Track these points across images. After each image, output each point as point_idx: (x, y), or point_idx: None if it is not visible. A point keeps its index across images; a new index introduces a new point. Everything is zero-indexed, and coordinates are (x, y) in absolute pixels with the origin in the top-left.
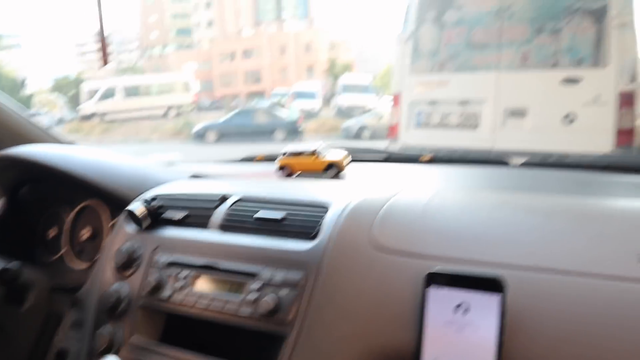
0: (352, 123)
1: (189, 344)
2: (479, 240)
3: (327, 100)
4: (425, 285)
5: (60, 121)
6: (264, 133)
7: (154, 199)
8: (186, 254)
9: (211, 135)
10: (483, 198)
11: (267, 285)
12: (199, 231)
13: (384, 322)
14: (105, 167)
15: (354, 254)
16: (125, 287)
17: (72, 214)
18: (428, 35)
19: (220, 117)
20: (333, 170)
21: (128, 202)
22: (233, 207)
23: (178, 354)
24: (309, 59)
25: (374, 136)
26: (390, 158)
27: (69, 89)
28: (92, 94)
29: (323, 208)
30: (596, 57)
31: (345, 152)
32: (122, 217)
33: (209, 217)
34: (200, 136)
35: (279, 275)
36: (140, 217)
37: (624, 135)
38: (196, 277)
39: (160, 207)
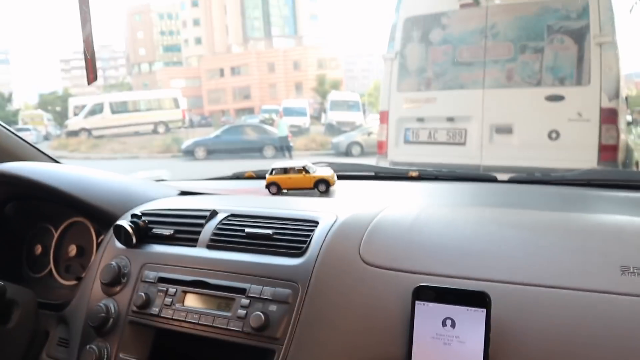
0: (342, 139)
1: None
2: (465, 256)
3: (316, 117)
4: (413, 300)
5: (47, 137)
6: (254, 149)
7: (142, 215)
8: (175, 270)
9: (200, 152)
10: (469, 214)
11: (256, 301)
12: (188, 247)
13: (373, 337)
14: (92, 184)
15: (342, 270)
16: (113, 304)
17: (58, 231)
18: (414, 53)
19: (210, 134)
20: (322, 186)
21: (115, 219)
22: (222, 223)
23: None
24: (297, 76)
25: (363, 152)
26: (379, 174)
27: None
28: (79, 110)
29: (312, 224)
30: (579, 75)
31: (334, 169)
32: (109, 234)
33: (198, 233)
34: (189, 152)
35: (268, 291)
36: (128, 233)
37: (607, 151)
38: (185, 294)
39: (148, 223)
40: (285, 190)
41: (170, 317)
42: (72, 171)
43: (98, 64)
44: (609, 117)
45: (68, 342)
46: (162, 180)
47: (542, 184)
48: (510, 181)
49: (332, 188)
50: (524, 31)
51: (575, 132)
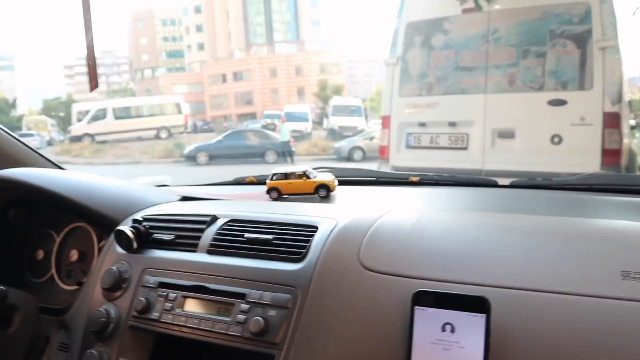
0: (344, 144)
1: None
2: (465, 261)
3: (318, 122)
4: (412, 305)
5: (50, 142)
6: (256, 154)
7: (143, 220)
8: (175, 275)
9: (202, 157)
10: (470, 219)
11: (255, 306)
12: (188, 253)
13: (372, 342)
14: (93, 189)
15: (342, 275)
16: (114, 309)
17: (60, 236)
18: (416, 58)
19: (212, 139)
20: (322, 191)
21: (116, 224)
22: (222, 228)
23: None
24: (299, 82)
25: (365, 157)
26: (380, 179)
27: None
28: (83, 115)
29: (312, 229)
30: (581, 79)
31: (335, 174)
32: (110, 239)
33: (198, 238)
34: (191, 158)
35: (268, 297)
36: (129, 238)
37: (610, 155)
38: (185, 299)
39: (149, 228)
40: (285, 196)
41: (170, 322)
42: (73, 176)
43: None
44: (611, 121)
45: (69, 347)
46: (164, 185)
47: (544, 188)
48: (511, 186)
49: (332, 193)
50: (526, 36)
51: (577, 136)
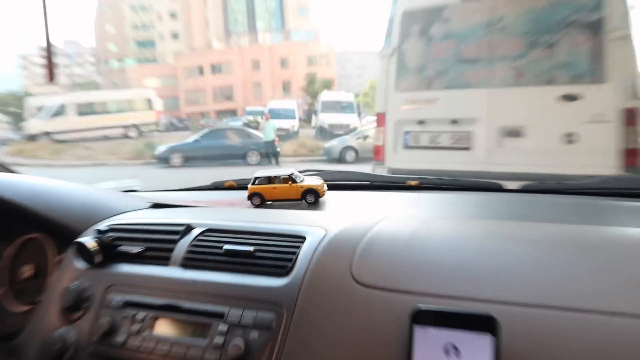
0: (335, 144)
1: None
2: (469, 275)
3: (306, 120)
4: (411, 324)
5: (3, 142)
6: (236, 156)
7: (107, 230)
8: (144, 292)
9: (176, 158)
10: (475, 227)
11: (235, 327)
12: (159, 267)
13: None
14: (51, 195)
15: (332, 291)
16: (73, 332)
17: (12, 249)
18: (414, 50)
19: (187, 138)
20: (310, 197)
21: (77, 235)
22: (198, 239)
23: None
24: (285, 75)
25: (358, 158)
26: (374, 183)
27: (12, 106)
28: (39, 111)
29: (298, 239)
30: (595, 72)
31: (324, 178)
32: (70, 252)
33: (170, 250)
34: (164, 159)
35: (249, 316)
36: (91, 251)
37: (630, 155)
38: (155, 319)
39: (115, 239)
40: (269, 202)
41: (137, 346)
42: (27, 181)
43: (63, 60)
44: (631, 118)
45: None
46: (132, 191)
47: (556, 193)
48: (520, 190)
49: (321, 199)
50: (534, 25)
51: (592, 135)
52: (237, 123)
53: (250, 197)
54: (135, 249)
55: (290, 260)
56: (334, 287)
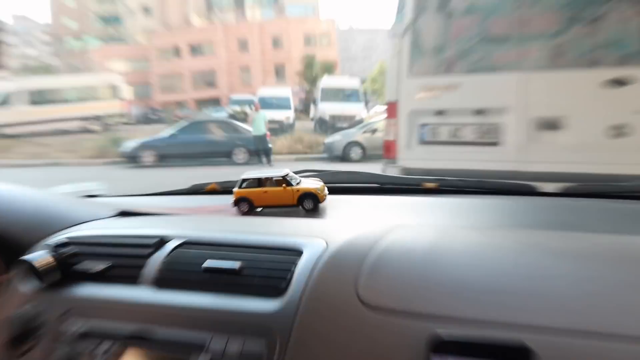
0: (337, 139)
1: None
2: (498, 296)
3: (303, 110)
4: (428, 354)
5: None
6: (220, 153)
7: (64, 244)
8: (108, 319)
9: (148, 157)
10: (504, 239)
11: (219, 359)
12: (127, 287)
13: None
14: None
15: (335, 315)
16: None
17: None
18: (431, 26)
19: (161, 132)
20: (308, 203)
21: (28, 250)
22: (174, 254)
23: None
24: (278, 57)
25: (366, 156)
26: (384, 186)
27: None
28: None
29: (294, 253)
30: None
31: (324, 180)
32: (17, 270)
33: (141, 267)
34: (133, 158)
35: (235, 345)
36: (43, 269)
37: None
38: (121, 352)
39: (73, 255)
40: (259, 209)
41: None
42: None
43: (11, 39)
44: None
45: None
46: (95, 196)
47: (603, 197)
48: (558, 194)
49: (321, 205)
50: None
51: None
52: (221, 114)
53: (236, 203)
54: (98, 266)
55: (284, 278)
56: (337, 310)
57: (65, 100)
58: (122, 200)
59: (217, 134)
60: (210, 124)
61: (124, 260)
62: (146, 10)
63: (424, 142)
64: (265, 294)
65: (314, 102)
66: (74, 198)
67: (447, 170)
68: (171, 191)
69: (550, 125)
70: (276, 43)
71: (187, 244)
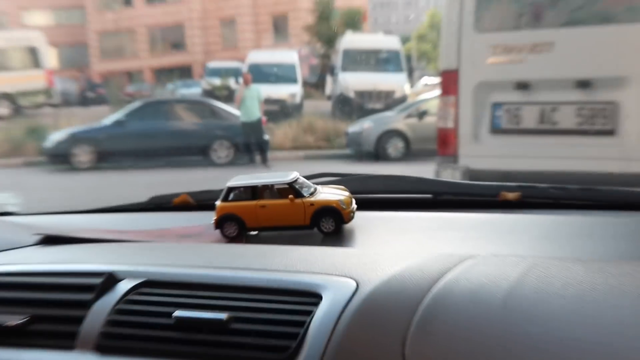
0: (367, 127)
1: None
2: None
3: (315, 84)
4: None
5: None
6: (192, 149)
7: None
8: None
9: (84, 154)
10: (629, 279)
11: None
12: (56, 352)
13: None
14: None
15: None
16: None
17: None
18: None
19: (103, 118)
20: (328, 223)
21: None
22: (128, 300)
23: None
24: (277, 4)
25: (410, 152)
26: (440, 197)
27: None
28: None
29: (309, 299)
30: None
31: (351, 189)
32: None
33: (78, 321)
34: (62, 156)
35: None
36: None
37: None
38: None
39: None
40: (254, 233)
41: None
42: None
43: None
44: None
45: None
46: (8, 213)
47: None
48: None
49: (347, 226)
50: None
51: None
52: (193, 90)
53: (220, 224)
54: (13, 319)
55: (294, 336)
56: None
57: None
58: (47, 219)
59: (188, 121)
60: (176, 105)
61: (51, 311)
62: None
63: (498, 131)
64: (265, 358)
65: (332, 71)
66: None
67: (533, 174)
68: (121, 206)
69: None
70: None
71: (147, 284)
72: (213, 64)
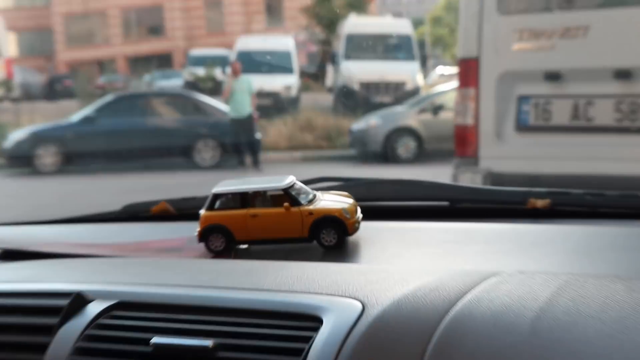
0: (374, 124)
1: None
2: None
3: (314, 74)
4: None
5: None
6: (173, 149)
7: None
8: None
9: (48, 156)
10: None
11: None
12: None
13: None
14: None
15: None
16: None
17: None
18: None
19: (71, 115)
20: (329, 235)
21: None
22: (99, 324)
23: None
24: None
25: (423, 152)
26: (458, 205)
27: None
28: None
29: (308, 322)
30: None
31: (355, 196)
32: None
33: (41, 350)
34: (23, 158)
35: None
36: None
37: None
38: None
39: None
40: (244, 246)
41: None
42: None
43: None
44: None
45: None
46: None
47: None
48: None
49: (351, 238)
50: None
51: None
52: (174, 82)
53: (204, 236)
54: None
55: None
56: None
57: None
58: (7, 231)
59: (167, 117)
60: (154, 99)
61: (10, 337)
62: None
63: (525, 129)
64: None
65: (333, 59)
66: None
67: (565, 177)
68: (91, 216)
69: None
70: None
71: (121, 307)
72: (196, 52)
